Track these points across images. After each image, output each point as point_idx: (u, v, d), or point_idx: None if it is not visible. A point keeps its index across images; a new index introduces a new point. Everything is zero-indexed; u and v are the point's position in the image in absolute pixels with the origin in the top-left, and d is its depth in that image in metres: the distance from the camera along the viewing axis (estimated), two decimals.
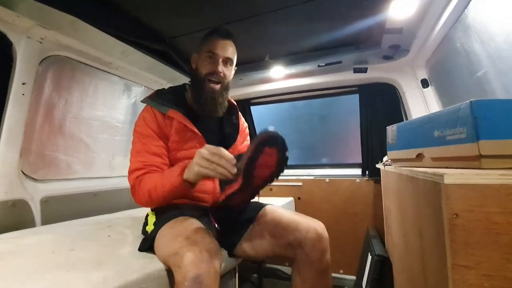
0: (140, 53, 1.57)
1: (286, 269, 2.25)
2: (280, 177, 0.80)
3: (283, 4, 1.27)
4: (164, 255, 0.81)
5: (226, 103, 1.11)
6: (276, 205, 1.10)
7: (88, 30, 1.29)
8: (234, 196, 0.81)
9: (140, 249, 0.93)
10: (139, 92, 1.99)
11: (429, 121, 0.80)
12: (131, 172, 0.98)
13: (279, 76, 2.12)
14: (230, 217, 1.05)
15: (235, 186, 0.79)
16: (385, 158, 1.44)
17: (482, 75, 1.11)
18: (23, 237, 1.05)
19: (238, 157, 0.80)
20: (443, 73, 1.54)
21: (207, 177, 0.85)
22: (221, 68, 1.04)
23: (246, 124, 1.28)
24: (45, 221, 1.37)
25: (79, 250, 0.91)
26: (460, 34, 1.21)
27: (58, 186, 1.51)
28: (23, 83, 1.25)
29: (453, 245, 0.53)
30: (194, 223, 0.87)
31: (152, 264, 0.81)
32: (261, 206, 1.05)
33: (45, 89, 1.43)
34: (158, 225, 0.93)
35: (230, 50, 1.06)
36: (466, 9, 1.12)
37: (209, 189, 1.07)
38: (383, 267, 1.43)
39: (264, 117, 2.72)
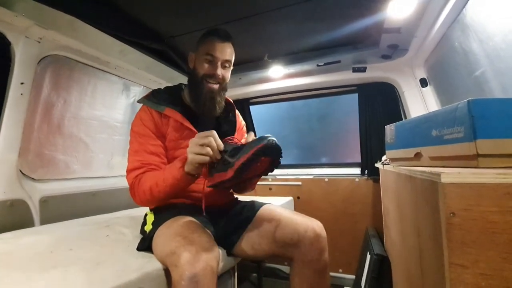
0: (139, 53, 1.56)
1: (285, 268, 2.25)
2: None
3: (281, 3, 1.27)
4: (161, 255, 0.81)
5: (223, 102, 1.11)
6: (275, 204, 1.10)
7: (86, 30, 1.29)
8: (222, 184, 0.84)
9: (139, 249, 0.93)
10: (137, 92, 1.99)
11: (427, 120, 0.79)
12: (129, 171, 0.98)
13: (278, 76, 2.12)
14: (228, 216, 1.05)
15: (224, 176, 0.81)
16: (383, 158, 1.44)
17: (480, 74, 1.11)
18: (22, 237, 1.05)
19: (233, 149, 0.82)
20: (441, 72, 1.54)
21: (204, 165, 0.85)
22: (220, 71, 1.04)
23: (244, 122, 1.28)
24: (44, 221, 1.37)
25: (77, 250, 0.91)
26: (458, 33, 1.21)
27: (56, 186, 1.51)
28: (22, 83, 1.25)
29: (450, 244, 0.53)
30: (191, 223, 0.88)
31: (150, 264, 0.81)
32: (259, 205, 1.05)
33: (44, 88, 1.43)
34: (156, 224, 0.93)
35: (228, 52, 1.05)
36: (464, 9, 1.12)
37: (208, 189, 1.06)
38: (382, 266, 1.43)
39: (263, 117, 2.72)
